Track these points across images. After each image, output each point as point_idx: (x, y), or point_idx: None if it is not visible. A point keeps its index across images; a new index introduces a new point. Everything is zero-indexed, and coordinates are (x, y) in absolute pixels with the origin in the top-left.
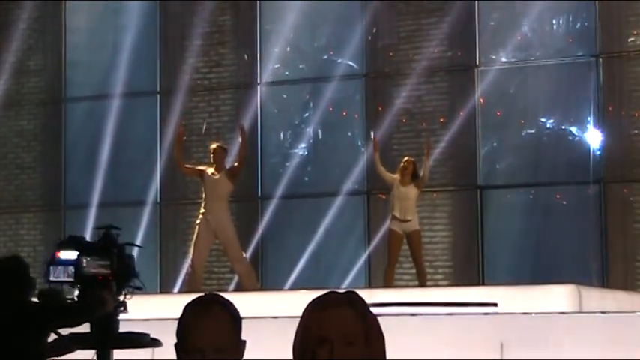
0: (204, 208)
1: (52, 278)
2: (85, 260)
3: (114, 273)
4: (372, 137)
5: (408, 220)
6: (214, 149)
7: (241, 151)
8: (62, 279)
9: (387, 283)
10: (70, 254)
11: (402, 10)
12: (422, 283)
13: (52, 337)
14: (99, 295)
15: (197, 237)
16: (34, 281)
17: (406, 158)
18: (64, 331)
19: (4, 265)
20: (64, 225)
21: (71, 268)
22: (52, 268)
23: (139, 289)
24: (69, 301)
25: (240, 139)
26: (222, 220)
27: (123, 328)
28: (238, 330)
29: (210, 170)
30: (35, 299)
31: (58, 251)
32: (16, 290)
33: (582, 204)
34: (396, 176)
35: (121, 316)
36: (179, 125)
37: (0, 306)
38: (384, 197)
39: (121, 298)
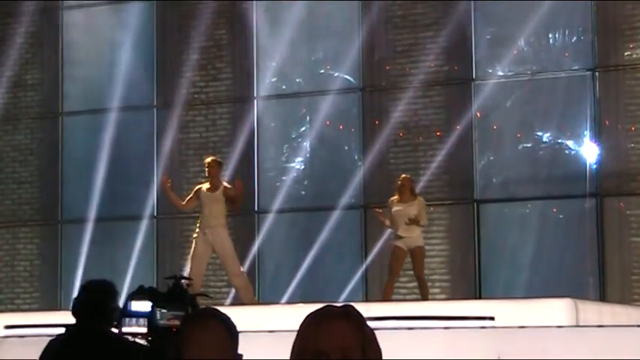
0: (201, 222)
1: (125, 330)
2: (159, 312)
3: None
4: (376, 212)
5: (410, 237)
6: (209, 163)
7: (237, 202)
8: (135, 330)
9: (386, 298)
10: (143, 305)
11: (398, 24)
12: (424, 298)
13: None
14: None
15: (194, 251)
16: (118, 309)
17: (402, 176)
18: None
19: (93, 292)
20: (60, 239)
21: (144, 320)
22: (124, 319)
23: None
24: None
25: (236, 188)
26: (220, 234)
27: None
28: (235, 344)
29: (205, 185)
30: (114, 329)
31: (131, 302)
32: (100, 319)
33: (579, 217)
34: (395, 197)
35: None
36: (162, 175)
37: (83, 334)
38: (380, 211)
39: None
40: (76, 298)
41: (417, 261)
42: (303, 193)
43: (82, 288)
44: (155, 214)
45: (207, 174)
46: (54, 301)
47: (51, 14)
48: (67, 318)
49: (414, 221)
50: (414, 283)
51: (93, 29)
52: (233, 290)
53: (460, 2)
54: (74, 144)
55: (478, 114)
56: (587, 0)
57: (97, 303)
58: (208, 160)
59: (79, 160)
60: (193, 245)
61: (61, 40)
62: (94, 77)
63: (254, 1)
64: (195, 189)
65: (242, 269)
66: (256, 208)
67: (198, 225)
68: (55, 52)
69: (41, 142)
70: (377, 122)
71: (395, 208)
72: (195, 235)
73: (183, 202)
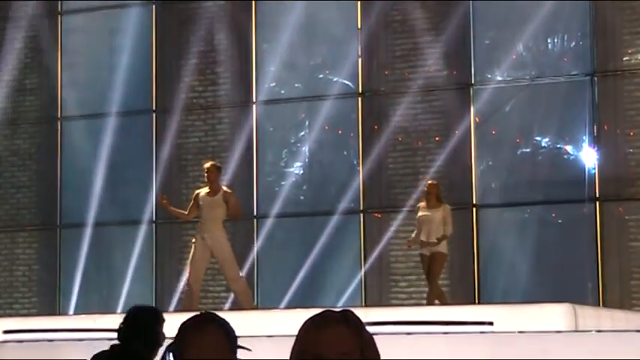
0: (200, 227)
1: None
2: None
3: None
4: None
5: (433, 243)
6: (208, 168)
7: (235, 215)
8: None
9: (430, 302)
10: None
11: (397, 29)
12: (429, 302)
13: None
14: None
15: (193, 256)
16: (163, 336)
17: (429, 182)
18: None
19: (139, 317)
20: (59, 244)
21: None
22: None
23: None
24: None
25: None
26: (219, 239)
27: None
28: (234, 349)
29: (204, 190)
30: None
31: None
32: (145, 344)
33: (578, 222)
34: (422, 203)
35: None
36: (158, 194)
37: (127, 358)
38: (379, 216)
39: None
40: (122, 323)
41: (436, 266)
42: (302, 197)
43: (129, 313)
44: (154, 219)
45: (206, 179)
46: (52, 306)
47: (50, 19)
48: (66, 323)
49: (441, 239)
50: (413, 288)
51: (92, 34)
52: (232, 295)
53: (459, 7)
54: (73, 149)
55: (477, 119)
56: (586, 4)
57: (143, 329)
58: (207, 164)
59: (78, 165)
60: (192, 250)
61: (60, 45)
62: (92, 82)
63: (253, 6)
64: (194, 195)
65: (241, 274)
66: (255, 213)
67: (197, 230)
68: (54, 56)
69: (40, 146)
70: (376, 127)
71: (421, 214)
72: (194, 240)
73: (187, 212)
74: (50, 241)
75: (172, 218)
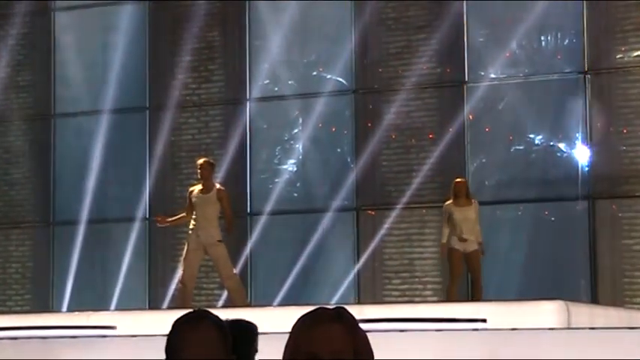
0: (194, 224)
1: None
2: None
3: None
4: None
5: (468, 240)
6: (201, 164)
7: (230, 221)
8: None
9: (450, 299)
10: None
11: (391, 27)
12: (478, 299)
13: None
14: None
15: (187, 253)
16: (256, 351)
17: (458, 180)
18: None
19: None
20: (52, 241)
21: None
22: None
23: None
24: None
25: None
26: (213, 236)
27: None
28: (227, 346)
29: (198, 187)
30: None
31: None
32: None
33: (571, 220)
34: (450, 201)
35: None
36: (156, 216)
37: None
38: (373, 213)
39: None
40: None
41: (477, 263)
42: (295, 195)
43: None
44: (147, 216)
45: (199, 176)
46: (46, 303)
47: (43, 16)
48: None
49: (478, 237)
50: (407, 286)
51: (85, 31)
52: (225, 292)
53: (453, 5)
54: (66, 146)
55: (470, 116)
56: (579, 2)
57: (236, 345)
58: (200, 161)
59: (71, 162)
60: (186, 247)
61: (53, 42)
62: (86, 79)
63: (246, 3)
64: (188, 193)
65: (234, 271)
66: (249, 210)
67: (191, 227)
68: (47, 53)
69: (33, 143)
70: (369, 124)
71: (455, 214)
72: (187, 237)
73: (185, 213)
74: (44, 238)
75: (166, 215)
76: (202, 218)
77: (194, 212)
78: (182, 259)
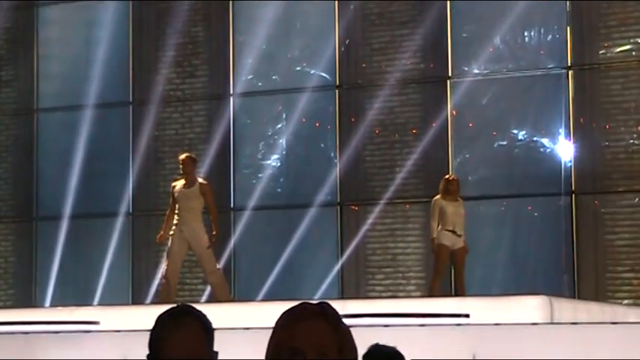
0: (177, 219)
1: None
2: None
3: None
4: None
5: (459, 235)
6: (183, 159)
7: (215, 216)
8: None
9: (433, 294)
10: None
11: (374, 22)
12: (460, 294)
13: None
14: None
15: (171, 248)
16: None
17: (452, 177)
18: None
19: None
20: (35, 236)
21: None
22: None
23: None
24: None
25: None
26: (196, 231)
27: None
28: (211, 341)
29: (181, 182)
30: None
31: None
32: None
33: (553, 215)
34: (439, 196)
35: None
36: (158, 237)
37: None
38: (356, 209)
39: None
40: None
41: (462, 260)
42: (279, 190)
43: (368, 354)
44: (131, 211)
45: (181, 171)
46: (28, 298)
47: (26, 11)
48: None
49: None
50: (390, 281)
51: (68, 26)
52: (209, 287)
53: (436, 0)
54: (49, 141)
55: (454, 112)
56: None
57: None
58: (182, 156)
59: (54, 157)
60: (170, 242)
61: (36, 37)
62: (69, 74)
63: None
64: (171, 188)
65: (218, 266)
66: (232, 205)
67: (174, 222)
68: (31, 48)
69: (16, 138)
70: (353, 120)
71: (448, 209)
72: (171, 232)
73: (169, 211)
74: (26, 233)
75: (149, 210)
76: (185, 213)
77: (177, 207)
78: (165, 254)
